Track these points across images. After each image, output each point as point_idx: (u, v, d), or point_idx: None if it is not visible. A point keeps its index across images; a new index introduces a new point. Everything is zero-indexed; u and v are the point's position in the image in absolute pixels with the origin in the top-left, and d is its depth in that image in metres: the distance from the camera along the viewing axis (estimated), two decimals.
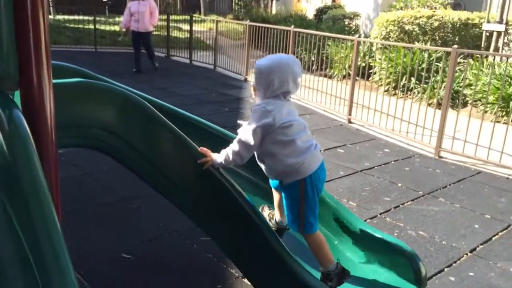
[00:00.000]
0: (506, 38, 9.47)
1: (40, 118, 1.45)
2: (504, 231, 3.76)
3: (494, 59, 7.56)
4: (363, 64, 8.21)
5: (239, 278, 2.91)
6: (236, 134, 2.31)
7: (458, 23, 9.87)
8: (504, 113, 7.14)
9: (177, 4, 30.68)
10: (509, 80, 7.32)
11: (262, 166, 2.33)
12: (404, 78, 7.36)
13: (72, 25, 16.31)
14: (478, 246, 3.49)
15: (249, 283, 2.60)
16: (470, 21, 9.92)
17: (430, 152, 5.77)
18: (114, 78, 3.52)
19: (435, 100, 6.70)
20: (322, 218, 2.72)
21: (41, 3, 1.37)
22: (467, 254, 3.37)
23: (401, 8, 11.66)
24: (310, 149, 2.23)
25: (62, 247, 1.18)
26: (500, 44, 9.21)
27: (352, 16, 13.96)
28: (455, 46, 5.70)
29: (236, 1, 25.07)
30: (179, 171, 2.42)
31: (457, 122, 5.74)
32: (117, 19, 16.23)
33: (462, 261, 3.27)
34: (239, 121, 2.66)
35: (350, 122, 7.12)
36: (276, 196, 2.55)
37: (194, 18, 13.73)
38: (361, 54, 8.64)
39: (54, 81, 1.53)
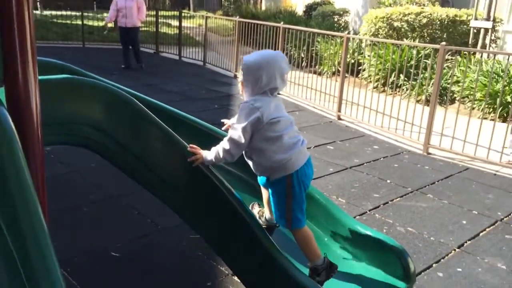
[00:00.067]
0: (493, 35, 9.56)
1: (25, 115, 1.43)
2: (492, 227, 3.80)
3: (481, 56, 7.63)
4: (352, 61, 8.23)
5: (229, 276, 2.90)
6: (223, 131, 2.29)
7: (446, 20, 9.94)
8: (491, 109, 7.21)
9: (166, 0, 30.49)
10: (496, 77, 7.40)
11: (250, 163, 2.33)
12: (393, 75, 7.40)
13: (59, 21, 16.13)
14: (466, 242, 3.52)
15: (239, 281, 2.60)
16: (458, 18, 9.99)
17: (418, 148, 5.81)
18: (102, 74, 3.49)
19: (423, 97, 6.74)
20: (311, 215, 2.73)
21: None
22: (455, 250, 3.40)
23: (390, 5, 11.71)
24: (297, 145, 2.23)
25: (48, 246, 1.17)
26: (487, 41, 9.29)
27: (341, 12, 13.98)
28: (443, 43, 5.74)
29: None
30: (167, 168, 2.41)
31: (445, 118, 5.79)
32: (105, 14, 16.04)
33: (450, 257, 3.30)
34: (222, 120, 2.65)
35: (339, 119, 7.14)
36: (265, 193, 2.55)
37: (183, 14, 13.66)
38: (350, 51, 8.67)
39: (40, 77, 1.51)
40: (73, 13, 16.06)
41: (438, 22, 9.95)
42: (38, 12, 19.04)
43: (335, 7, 14.66)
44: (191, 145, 2.32)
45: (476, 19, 9.39)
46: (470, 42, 9.67)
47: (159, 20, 13.37)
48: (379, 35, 10.36)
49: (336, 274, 2.36)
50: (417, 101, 6.59)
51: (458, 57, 8.48)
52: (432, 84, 6.31)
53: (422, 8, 10.37)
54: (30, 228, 1.17)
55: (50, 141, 2.20)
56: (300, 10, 16.78)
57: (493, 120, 5.85)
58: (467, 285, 2.97)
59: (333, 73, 8.91)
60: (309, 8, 15.98)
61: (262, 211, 2.65)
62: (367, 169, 4.96)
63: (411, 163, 5.30)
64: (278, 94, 2.31)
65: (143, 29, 12.95)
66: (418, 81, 7.15)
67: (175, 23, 13.60)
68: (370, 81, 8.75)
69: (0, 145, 1.24)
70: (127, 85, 3.24)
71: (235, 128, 2.17)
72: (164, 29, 14.13)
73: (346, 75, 7.40)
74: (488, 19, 9.17)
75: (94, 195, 3.93)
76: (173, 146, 2.33)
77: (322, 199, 2.74)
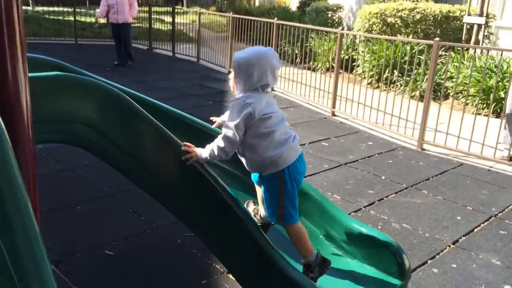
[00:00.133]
0: (486, 31, 9.58)
1: (15, 113, 1.40)
2: (486, 223, 3.81)
3: (474, 52, 7.64)
4: (347, 57, 8.22)
5: (224, 274, 2.89)
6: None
7: (440, 15, 9.95)
8: (484, 105, 7.23)
9: None
10: (489, 73, 7.42)
11: (243, 160, 2.32)
12: (387, 71, 7.39)
13: (51, 17, 16.00)
14: (460, 238, 3.53)
15: (234, 279, 2.58)
16: (451, 14, 10.00)
17: (413, 144, 5.82)
18: (95, 71, 3.45)
19: (417, 93, 6.75)
20: (306, 212, 2.72)
21: None
22: (449, 246, 3.40)
23: (384, 1, 11.70)
24: (289, 141, 2.23)
25: (39, 246, 1.15)
26: (480, 36, 9.31)
27: (335, 8, 13.96)
28: (437, 38, 5.74)
29: None
30: (161, 165, 2.39)
31: (439, 114, 5.80)
32: (97, 10, 15.95)
33: (445, 253, 3.31)
34: (211, 118, 2.64)
35: (334, 115, 7.13)
36: (259, 191, 2.53)
37: (176, 10, 13.59)
38: (344, 47, 8.65)
39: (30, 74, 1.48)
40: (65, 9, 15.94)
41: (432, 18, 9.96)
42: (29, 7, 18.86)
43: (328, 3, 14.64)
44: (185, 143, 2.30)
45: (469, 14, 9.40)
46: (463, 38, 9.68)
47: (152, 16, 13.28)
48: (373, 31, 10.36)
49: (331, 271, 2.36)
50: (411, 97, 6.59)
51: (452, 53, 8.50)
52: (426, 80, 6.31)
53: (416, 4, 10.38)
54: (21, 227, 1.15)
55: (41, 139, 2.18)
56: (293, 6, 16.75)
57: (486, 115, 5.86)
58: (462, 281, 2.97)
59: (327, 69, 8.89)
60: (303, 4, 15.96)
61: (257, 209, 2.64)
62: (362, 166, 4.96)
63: (406, 159, 5.31)
64: (272, 90, 2.30)
65: (135, 25, 12.87)
66: (412, 77, 7.15)
67: (168, 19, 13.51)
68: (364, 77, 8.74)
69: None
70: (120, 81, 3.21)
71: (228, 126, 2.16)
72: (157, 25, 14.05)
73: (340, 71, 7.38)
74: (481, 14, 9.19)
75: (88, 193, 3.90)
76: (167, 144, 2.31)
77: (317, 196, 2.74)
